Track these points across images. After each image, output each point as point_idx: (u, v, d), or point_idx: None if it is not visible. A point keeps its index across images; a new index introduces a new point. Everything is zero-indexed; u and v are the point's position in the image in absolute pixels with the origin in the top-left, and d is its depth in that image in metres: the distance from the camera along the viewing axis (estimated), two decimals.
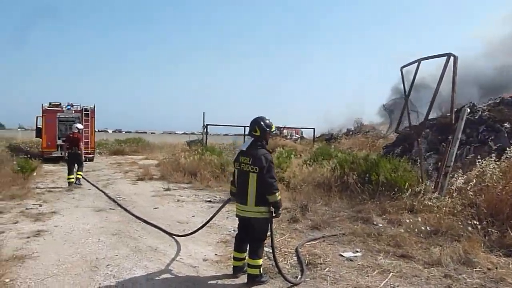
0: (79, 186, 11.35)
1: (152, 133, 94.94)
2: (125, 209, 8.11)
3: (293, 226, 6.84)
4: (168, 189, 10.85)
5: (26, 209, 8.02)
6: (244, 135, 19.67)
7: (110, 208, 8.34)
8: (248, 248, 4.47)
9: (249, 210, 4.31)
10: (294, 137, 24.04)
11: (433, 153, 10.14)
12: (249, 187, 4.27)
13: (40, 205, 8.46)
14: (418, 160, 8.47)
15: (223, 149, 15.65)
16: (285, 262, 5.02)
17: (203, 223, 5.90)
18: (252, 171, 4.26)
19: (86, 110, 19.38)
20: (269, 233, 4.38)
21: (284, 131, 35.85)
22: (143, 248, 5.63)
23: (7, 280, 4.27)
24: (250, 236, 4.43)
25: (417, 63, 8.48)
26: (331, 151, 12.20)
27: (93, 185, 11.48)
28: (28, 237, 6.00)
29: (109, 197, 9.58)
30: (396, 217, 7.02)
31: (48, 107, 19.28)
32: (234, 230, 6.58)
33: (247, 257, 4.47)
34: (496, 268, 4.78)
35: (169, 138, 41.33)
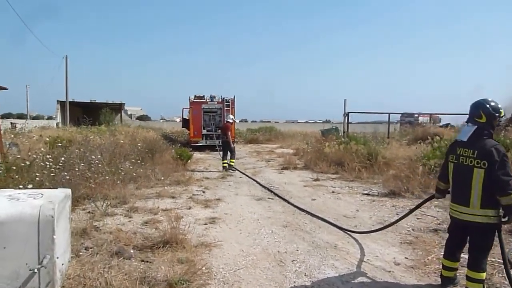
0: (231, 173, 12.04)
1: (275, 122, 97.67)
2: (286, 200, 8.00)
3: None
4: (317, 179, 10.56)
5: (193, 195, 8.42)
6: (388, 123, 18.39)
7: (268, 198, 8.33)
8: (468, 257, 3.70)
9: (472, 213, 3.54)
10: (439, 124, 21.62)
11: None
12: (472, 186, 3.50)
13: (203, 192, 8.85)
14: None
15: (366, 138, 14.71)
16: None
17: (391, 222, 5.27)
18: (477, 166, 3.48)
19: (227, 101, 20.31)
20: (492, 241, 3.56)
21: (420, 118, 32.88)
22: (321, 244, 5.27)
23: (203, 269, 4.30)
24: (471, 244, 3.66)
25: None
26: None
27: (243, 173, 11.83)
28: (206, 224, 6.15)
29: (263, 186, 9.67)
30: None
31: (194, 99, 20.77)
32: (413, 230, 5.95)
33: (466, 270, 3.71)
34: None
35: (295, 127, 41.87)
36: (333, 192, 8.99)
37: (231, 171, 12.31)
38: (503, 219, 3.51)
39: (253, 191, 9.15)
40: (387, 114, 18.22)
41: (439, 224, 6.20)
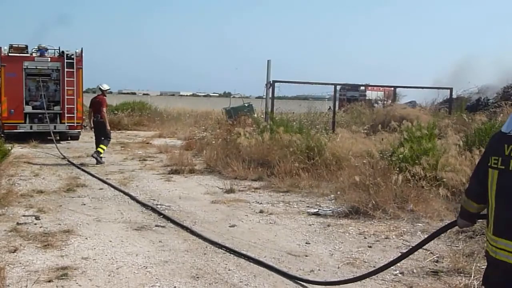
0: (99, 163, 13.73)
1: (144, 94, 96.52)
2: (188, 229, 7.72)
3: None
4: (231, 190, 10.47)
5: (18, 224, 7.73)
6: (334, 99, 18.80)
7: (157, 225, 7.96)
8: None
9: None
10: (400, 102, 23.04)
11: None
12: None
13: (37, 218, 8.19)
14: None
15: (300, 123, 14.99)
16: None
17: (380, 267, 5.15)
18: None
19: (69, 57, 19.11)
20: None
21: (368, 92, 34.94)
22: None
23: None
24: None
25: None
26: None
27: (106, 182, 11.33)
28: (50, 281, 5.52)
29: (145, 205, 9.31)
30: None
31: (9, 52, 19.13)
32: (401, 273, 5.97)
33: None
34: None
35: (178, 102, 41.50)
36: (261, 211, 8.89)
37: (96, 158, 13.81)
38: None
39: (127, 213, 8.70)
40: (332, 86, 18.63)
41: (437, 261, 6.33)
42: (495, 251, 3.61)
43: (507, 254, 3.54)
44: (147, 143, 19.12)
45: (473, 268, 5.83)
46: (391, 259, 5.29)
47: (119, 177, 12.02)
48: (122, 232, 7.51)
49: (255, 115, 18.48)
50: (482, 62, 59.05)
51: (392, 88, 23.39)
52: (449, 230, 5.51)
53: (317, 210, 8.92)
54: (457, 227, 4.22)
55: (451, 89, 20.63)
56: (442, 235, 6.38)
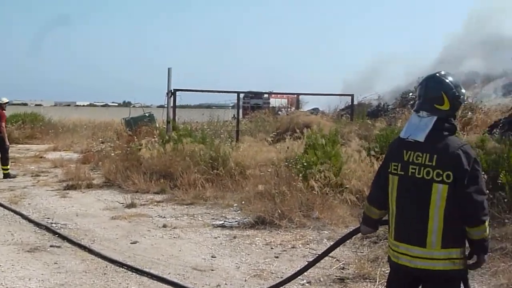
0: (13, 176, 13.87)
1: (37, 105, 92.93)
2: (85, 247, 7.47)
3: None
4: (133, 205, 10.28)
5: None
6: (238, 107, 18.87)
7: (52, 246, 7.63)
8: None
9: (430, 257, 3.52)
10: (303, 110, 23.60)
11: None
12: (430, 212, 3.49)
13: None
14: None
15: (204, 132, 14.99)
16: None
17: (288, 276, 5.18)
18: (438, 180, 3.47)
19: None
20: None
21: (272, 99, 35.50)
22: None
23: None
24: None
25: None
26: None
27: None
28: None
29: (38, 224, 8.90)
30: None
31: None
32: (308, 283, 6.07)
33: None
34: None
35: (74, 113, 40.37)
36: (165, 226, 8.80)
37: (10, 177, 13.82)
38: (469, 262, 3.61)
39: (18, 234, 8.30)
40: (235, 94, 18.70)
41: (343, 268, 6.44)
42: (397, 256, 3.70)
43: (408, 259, 3.63)
44: (41, 157, 18.49)
45: (378, 273, 6.00)
46: (298, 269, 5.34)
47: (9, 195, 11.42)
48: (12, 255, 7.15)
49: (157, 125, 18.28)
50: (392, 65, 61.34)
51: (295, 96, 23.93)
52: (354, 236, 5.60)
53: (222, 222, 8.92)
54: (361, 233, 4.29)
55: (352, 96, 21.33)
56: (348, 241, 6.51)
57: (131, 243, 7.78)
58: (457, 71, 29.24)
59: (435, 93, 3.64)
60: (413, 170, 3.57)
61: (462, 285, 3.67)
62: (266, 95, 34.83)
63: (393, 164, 3.72)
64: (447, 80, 3.65)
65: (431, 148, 3.53)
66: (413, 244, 3.56)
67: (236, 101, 20.67)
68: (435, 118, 3.60)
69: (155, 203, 10.55)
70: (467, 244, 3.58)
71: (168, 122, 16.50)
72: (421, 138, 3.58)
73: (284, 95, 31.18)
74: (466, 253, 3.59)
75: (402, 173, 3.64)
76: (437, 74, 3.69)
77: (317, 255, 5.88)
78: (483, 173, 3.88)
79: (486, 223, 3.47)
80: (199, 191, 10.97)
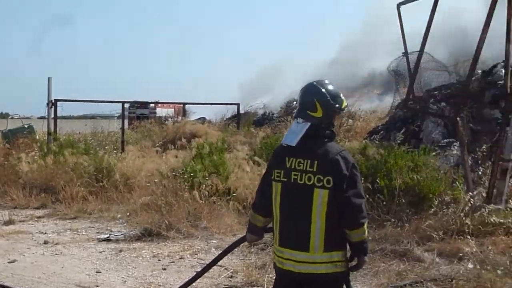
0: None
1: None
2: None
3: None
4: (11, 221, 9.82)
5: None
6: (123, 116, 18.47)
7: None
8: None
9: (312, 261, 3.63)
10: (190, 119, 23.66)
11: (455, 140, 10.55)
12: (313, 217, 3.61)
13: None
14: (460, 153, 8.68)
15: (87, 143, 14.63)
16: None
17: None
18: (319, 185, 3.62)
19: None
20: None
21: (158, 109, 35.29)
22: None
23: None
24: None
25: None
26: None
27: None
28: None
29: None
30: (449, 246, 7.06)
31: None
32: None
33: None
34: None
35: None
36: (46, 242, 8.49)
37: None
38: (351, 264, 3.77)
39: None
40: (120, 104, 18.42)
41: (232, 277, 6.51)
42: (282, 262, 3.79)
43: (293, 264, 3.72)
44: None
45: (266, 279, 6.11)
46: (186, 280, 5.36)
47: None
48: None
49: (37, 137, 17.62)
50: (287, 68, 61.53)
51: (182, 105, 23.89)
52: (242, 244, 5.70)
53: (108, 235, 8.75)
54: (247, 241, 4.37)
55: (238, 105, 21.68)
56: (235, 249, 6.61)
57: (8, 262, 7.44)
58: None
59: (309, 101, 3.79)
60: (295, 177, 3.68)
61: (344, 287, 3.86)
62: (152, 105, 34.55)
63: (276, 171, 3.81)
64: (322, 89, 3.78)
65: (312, 155, 3.66)
66: (297, 249, 3.66)
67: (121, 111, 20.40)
68: (308, 124, 3.74)
69: (36, 219, 10.16)
70: (348, 247, 3.78)
71: (49, 133, 15.96)
72: (292, 142, 3.70)
73: (171, 105, 31.05)
74: (348, 255, 3.78)
75: (285, 179, 3.74)
76: (314, 83, 3.82)
77: (205, 265, 5.92)
78: (362, 178, 4.10)
79: (365, 226, 3.64)
80: (83, 205, 10.72)
